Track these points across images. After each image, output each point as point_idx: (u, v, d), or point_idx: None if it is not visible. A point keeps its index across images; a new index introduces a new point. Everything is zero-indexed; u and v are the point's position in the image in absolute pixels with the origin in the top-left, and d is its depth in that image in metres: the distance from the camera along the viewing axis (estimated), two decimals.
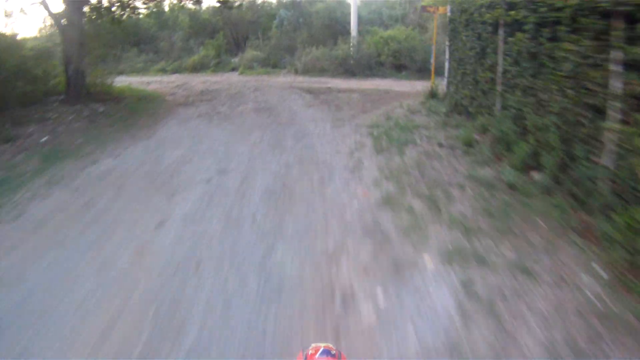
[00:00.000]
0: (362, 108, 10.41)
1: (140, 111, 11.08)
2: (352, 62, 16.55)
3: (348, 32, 18.52)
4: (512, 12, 6.09)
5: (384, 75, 16.32)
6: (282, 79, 16.54)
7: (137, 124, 9.81)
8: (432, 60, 11.29)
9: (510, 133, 6.02)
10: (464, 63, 8.61)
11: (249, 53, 19.64)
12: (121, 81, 17.80)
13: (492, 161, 5.92)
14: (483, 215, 4.44)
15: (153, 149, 7.68)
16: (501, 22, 6.66)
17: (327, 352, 1.36)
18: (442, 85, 10.82)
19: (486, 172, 5.54)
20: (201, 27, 22.96)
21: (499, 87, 6.81)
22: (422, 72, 16.16)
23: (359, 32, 18.23)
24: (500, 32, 6.71)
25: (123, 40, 22.57)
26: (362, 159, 6.43)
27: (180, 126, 9.38)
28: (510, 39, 6.29)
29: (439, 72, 16.20)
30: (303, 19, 20.81)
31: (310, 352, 1.37)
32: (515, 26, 6.12)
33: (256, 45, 21.02)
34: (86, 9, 13.07)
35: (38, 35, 24.06)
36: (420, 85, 13.66)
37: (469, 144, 6.65)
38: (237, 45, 22.84)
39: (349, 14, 18.77)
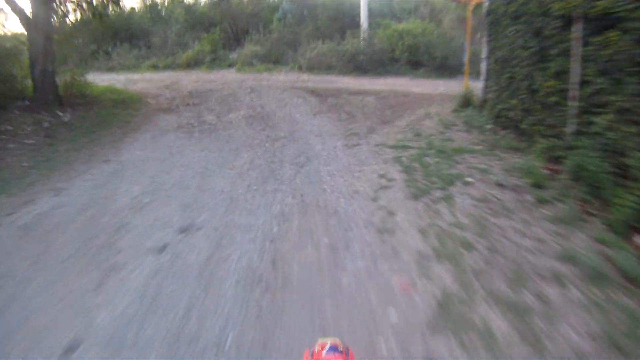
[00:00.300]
0: (380, 117, 8.39)
1: (111, 120, 9.11)
2: (362, 58, 14.48)
3: (357, 25, 16.45)
4: (602, 2, 4.15)
5: (398, 73, 14.27)
6: (284, 77, 14.50)
7: (101, 139, 7.85)
8: (466, 59, 9.19)
9: (600, 173, 4.06)
10: (511, 65, 6.63)
11: (248, 48, 17.57)
12: (109, 79, 15.99)
13: (581, 218, 3.92)
14: (608, 351, 2.45)
15: (107, 181, 5.72)
16: (576, 14, 4.69)
17: (334, 348, 1.28)
18: (476, 89, 8.77)
19: (584, 245, 3.52)
20: (197, 21, 20.88)
21: (573, 103, 4.84)
22: (441, 70, 14.14)
23: (370, 25, 16.14)
24: (577, 28, 4.74)
25: (110, 35, 20.65)
26: (392, 209, 4.40)
27: (152, 143, 7.40)
28: (594, 38, 4.35)
29: (463, 72, 14.19)
30: (308, 11, 18.70)
31: (316, 349, 1.30)
32: (604, 21, 4.20)
33: (256, 39, 18.94)
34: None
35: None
36: (443, 86, 11.66)
37: (538, 183, 4.65)
38: (236, 39, 20.77)
39: (358, 5, 16.69)
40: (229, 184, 5.32)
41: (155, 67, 17.88)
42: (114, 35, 21.12)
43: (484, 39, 8.39)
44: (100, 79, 16.36)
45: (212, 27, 19.67)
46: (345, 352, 1.31)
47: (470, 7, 9.02)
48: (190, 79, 14.68)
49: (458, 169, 5.35)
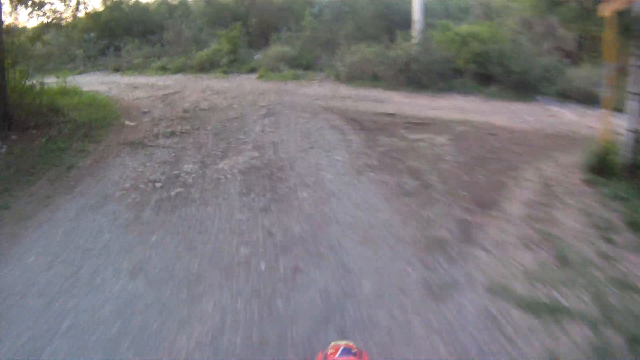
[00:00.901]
0: (471, 187, 4.71)
1: (51, 162, 5.83)
2: (417, 67, 10.69)
3: (408, 25, 12.65)
4: None
5: (464, 90, 10.43)
6: (316, 89, 10.90)
7: (9, 207, 4.55)
8: (609, 93, 5.31)
9: None
10: None
11: (274, 49, 14.01)
12: (108, 83, 12.91)
13: None
14: None
15: None
16: None
17: (347, 350, 1.25)
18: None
19: None
20: (217, 15, 17.47)
21: None
22: (519, 89, 10.26)
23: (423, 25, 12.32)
24: None
25: (123, 29, 17.57)
26: None
27: (67, 234, 3.97)
28: None
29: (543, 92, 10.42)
30: (348, 6, 14.96)
31: (329, 351, 1.26)
32: None
33: (286, 38, 15.40)
34: None
35: None
36: (527, 113, 8.07)
37: None
38: (265, 38, 17.30)
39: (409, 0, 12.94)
40: None
41: (164, 70, 14.57)
42: (127, 30, 18.03)
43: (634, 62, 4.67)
44: (99, 82, 13.30)
45: (236, 22, 16.16)
46: (359, 355, 1.25)
47: (613, 9, 5.16)
48: (196, 88, 11.27)
49: None
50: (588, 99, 9.89)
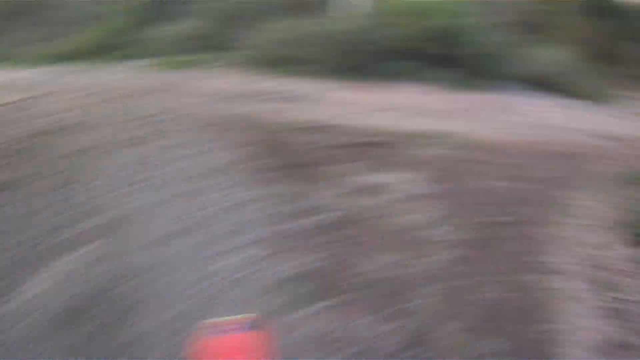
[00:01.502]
0: (505, 332, 2.25)
1: None
2: (357, 48, 8.01)
3: None
4: None
5: (420, 78, 7.84)
6: (219, 84, 7.94)
7: None
8: None
9: None
10: None
11: (174, 25, 10.74)
12: None
13: None
14: None
15: None
16: None
17: (246, 324, 1.15)
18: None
19: None
20: None
21: None
22: (482, 75, 7.95)
23: None
24: None
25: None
26: None
27: None
28: None
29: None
30: None
31: (226, 327, 1.17)
32: None
33: (197, 11, 12.11)
34: None
35: None
36: (511, 115, 5.89)
37: None
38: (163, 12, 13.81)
39: None
40: None
41: (38, 59, 10.84)
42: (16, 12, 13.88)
43: None
44: None
45: None
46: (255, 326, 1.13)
47: None
48: (63, 88, 8.04)
49: None
50: (554, 88, 7.70)
